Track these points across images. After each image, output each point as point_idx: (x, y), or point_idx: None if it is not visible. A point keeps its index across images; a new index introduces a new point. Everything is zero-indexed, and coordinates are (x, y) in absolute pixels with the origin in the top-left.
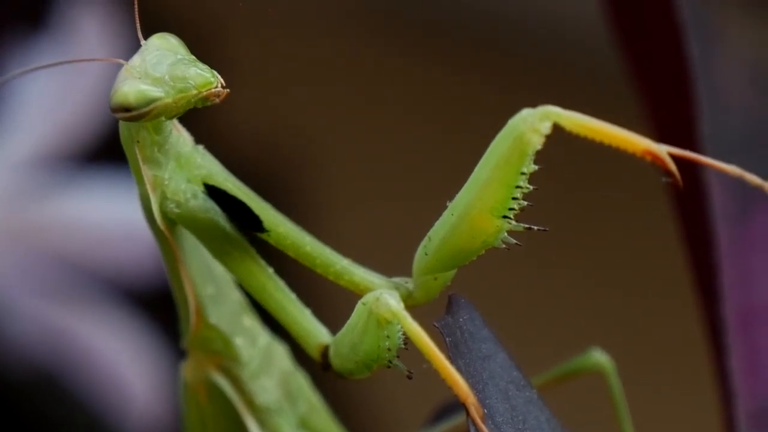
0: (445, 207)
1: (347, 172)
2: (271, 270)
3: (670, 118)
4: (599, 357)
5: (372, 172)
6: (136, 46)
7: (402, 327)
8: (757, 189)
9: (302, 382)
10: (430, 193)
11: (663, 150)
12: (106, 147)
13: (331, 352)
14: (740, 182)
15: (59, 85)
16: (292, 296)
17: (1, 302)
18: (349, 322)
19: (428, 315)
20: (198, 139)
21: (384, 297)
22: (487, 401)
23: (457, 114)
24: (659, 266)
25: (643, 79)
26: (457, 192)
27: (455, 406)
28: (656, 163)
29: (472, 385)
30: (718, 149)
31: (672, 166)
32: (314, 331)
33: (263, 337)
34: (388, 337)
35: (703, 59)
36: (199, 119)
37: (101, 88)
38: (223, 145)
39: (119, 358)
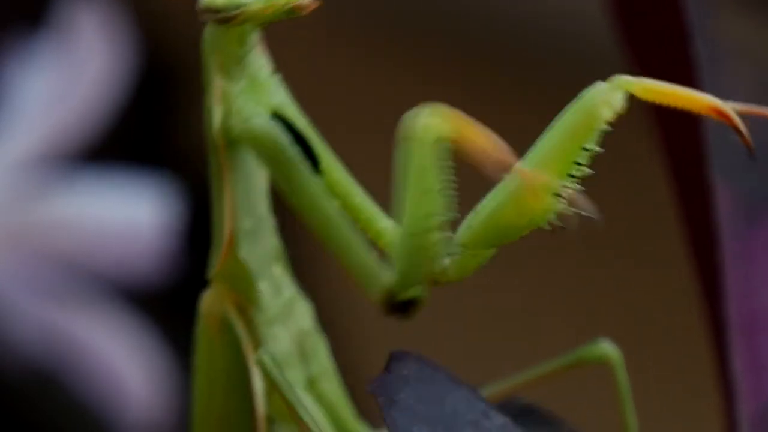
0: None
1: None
2: (337, 203)
3: (675, 121)
4: (607, 348)
5: (372, 173)
6: (135, 45)
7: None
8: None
9: (320, 345)
10: None
11: (729, 107)
12: (106, 147)
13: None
14: (748, 187)
15: (59, 85)
16: (358, 235)
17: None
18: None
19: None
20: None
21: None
22: None
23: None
24: (663, 270)
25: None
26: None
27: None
28: (723, 120)
29: (443, 426)
30: (723, 156)
31: (739, 124)
32: (379, 272)
33: (289, 290)
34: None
35: (709, 65)
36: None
37: (101, 88)
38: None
39: (118, 359)
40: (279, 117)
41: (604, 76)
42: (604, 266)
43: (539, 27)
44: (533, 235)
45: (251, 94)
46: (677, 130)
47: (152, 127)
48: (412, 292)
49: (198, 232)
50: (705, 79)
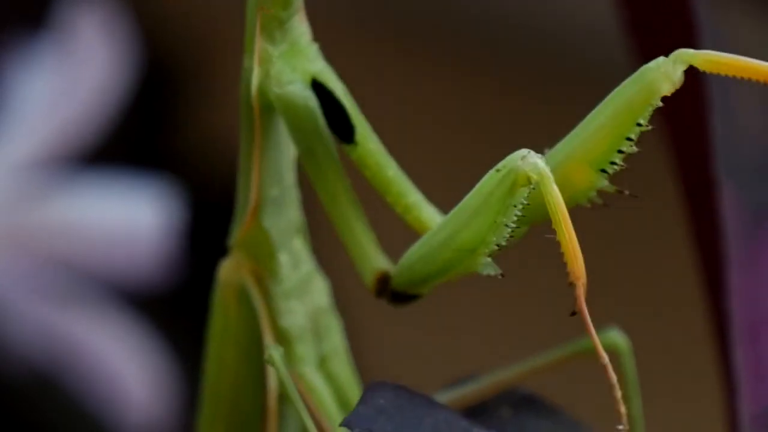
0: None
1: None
2: (349, 182)
3: (682, 122)
4: (616, 336)
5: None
6: (135, 46)
7: (543, 190)
8: None
9: (334, 323)
10: (431, 194)
11: None
12: (106, 148)
13: (411, 255)
14: (755, 189)
15: (59, 86)
16: (363, 217)
17: (0, 304)
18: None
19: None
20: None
21: (533, 155)
22: None
23: (458, 117)
24: (668, 275)
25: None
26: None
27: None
28: None
29: None
30: (730, 157)
31: None
32: (375, 255)
33: (307, 265)
34: (512, 206)
35: (719, 83)
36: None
37: (101, 90)
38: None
39: (118, 360)
40: (318, 84)
41: (611, 76)
42: (612, 262)
43: (548, 26)
44: (542, 226)
45: (290, 59)
46: (684, 130)
47: (152, 129)
48: (415, 291)
49: (198, 234)
50: (712, 79)
